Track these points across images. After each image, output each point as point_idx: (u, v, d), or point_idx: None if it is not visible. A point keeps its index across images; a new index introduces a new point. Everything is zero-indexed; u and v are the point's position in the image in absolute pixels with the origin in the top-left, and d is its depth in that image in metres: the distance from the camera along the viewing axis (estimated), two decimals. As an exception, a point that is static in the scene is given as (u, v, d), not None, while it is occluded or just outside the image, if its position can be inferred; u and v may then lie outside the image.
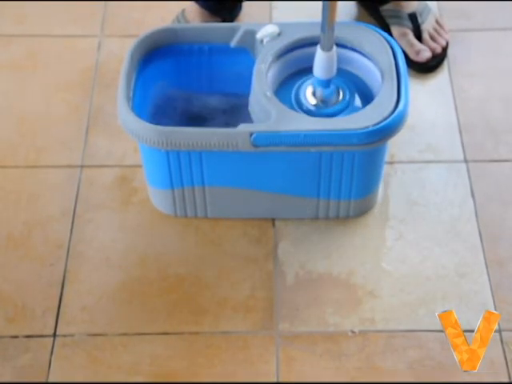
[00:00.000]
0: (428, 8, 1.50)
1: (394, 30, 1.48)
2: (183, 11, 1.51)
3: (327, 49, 1.15)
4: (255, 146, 1.14)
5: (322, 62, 1.17)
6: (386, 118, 1.14)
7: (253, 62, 1.22)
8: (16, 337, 1.16)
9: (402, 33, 1.46)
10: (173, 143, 1.14)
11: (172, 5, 1.57)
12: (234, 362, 1.14)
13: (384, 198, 1.30)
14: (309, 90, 1.22)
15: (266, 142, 1.13)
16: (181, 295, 1.20)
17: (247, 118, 1.21)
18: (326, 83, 1.20)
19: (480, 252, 1.24)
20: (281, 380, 1.12)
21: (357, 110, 1.20)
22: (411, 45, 1.46)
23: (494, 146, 1.37)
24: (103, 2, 1.61)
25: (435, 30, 1.48)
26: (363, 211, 1.28)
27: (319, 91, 1.20)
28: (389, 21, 1.49)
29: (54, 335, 1.16)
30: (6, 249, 1.25)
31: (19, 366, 1.13)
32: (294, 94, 1.23)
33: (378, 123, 1.13)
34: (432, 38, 1.47)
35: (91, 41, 1.54)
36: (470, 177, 1.33)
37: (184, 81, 1.33)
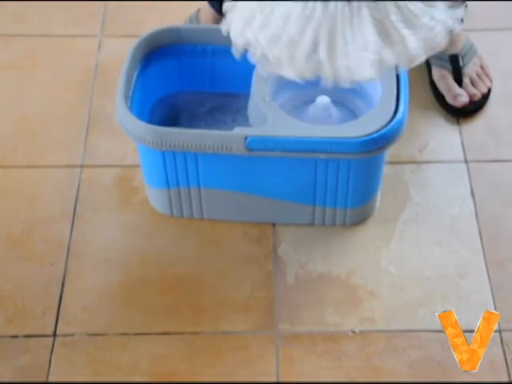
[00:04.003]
0: (473, 51, 1.43)
1: (434, 71, 1.42)
2: (198, 11, 1.49)
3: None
4: (249, 149, 1.13)
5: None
6: (383, 127, 1.12)
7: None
8: (16, 337, 1.16)
9: (442, 75, 1.41)
10: (167, 144, 1.14)
11: (172, 5, 1.58)
12: (234, 362, 1.14)
13: (384, 198, 1.30)
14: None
15: (261, 146, 1.13)
16: (181, 295, 1.20)
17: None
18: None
19: (480, 252, 1.24)
20: (281, 380, 1.12)
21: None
22: (449, 88, 1.40)
23: (494, 145, 1.37)
24: (103, 2, 1.61)
25: (477, 75, 1.42)
26: (360, 220, 1.27)
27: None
28: (430, 61, 1.43)
29: (54, 335, 1.16)
30: (5, 249, 1.25)
31: (19, 366, 1.13)
32: None
33: (374, 132, 1.12)
34: (473, 82, 1.41)
35: (91, 41, 1.54)
36: (470, 177, 1.33)
37: (186, 81, 1.32)
